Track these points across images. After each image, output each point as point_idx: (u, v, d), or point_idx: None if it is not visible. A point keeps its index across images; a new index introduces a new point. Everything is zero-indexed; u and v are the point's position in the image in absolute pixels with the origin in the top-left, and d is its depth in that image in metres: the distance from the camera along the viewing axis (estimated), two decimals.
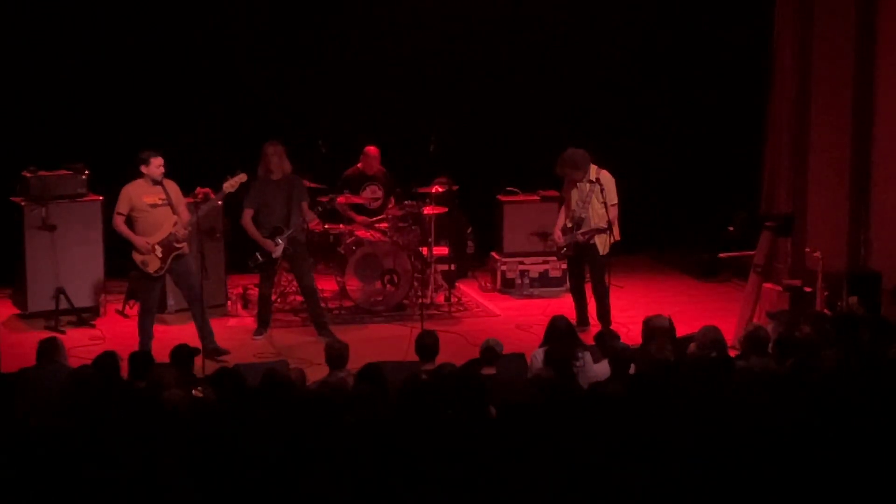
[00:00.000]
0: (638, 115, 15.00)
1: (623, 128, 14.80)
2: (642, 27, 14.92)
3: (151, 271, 11.18)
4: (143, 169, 11.15)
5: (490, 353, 9.11)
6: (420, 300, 12.72)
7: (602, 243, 12.00)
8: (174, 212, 11.17)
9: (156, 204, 11.15)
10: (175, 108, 13.67)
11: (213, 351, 11.15)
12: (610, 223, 11.88)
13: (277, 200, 11.82)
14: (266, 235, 11.75)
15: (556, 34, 14.76)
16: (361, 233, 12.99)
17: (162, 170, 11.17)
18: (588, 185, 11.97)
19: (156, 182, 11.16)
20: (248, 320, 12.47)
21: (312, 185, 12.99)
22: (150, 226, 11.15)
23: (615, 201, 11.98)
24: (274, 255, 11.80)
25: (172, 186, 11.30)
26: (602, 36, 14.85)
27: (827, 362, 8.62)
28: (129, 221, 11.17)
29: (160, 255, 11.13)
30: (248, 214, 11.87)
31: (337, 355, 9.09)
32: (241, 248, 12.36)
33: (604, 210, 11.92)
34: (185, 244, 11.19)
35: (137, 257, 11.16)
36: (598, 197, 11.90)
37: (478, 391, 7.65)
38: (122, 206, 11.16)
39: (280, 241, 11.71)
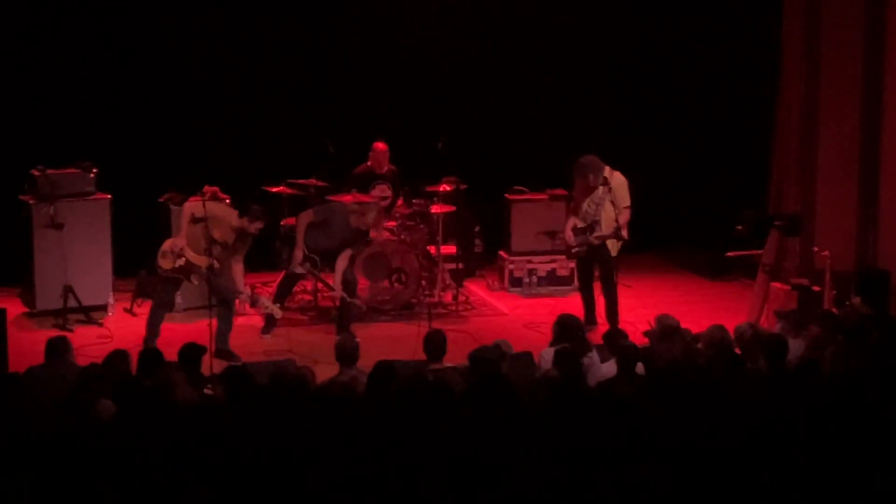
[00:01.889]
0: (646, 115, 14.98)
1: (631, 127, 14.78)
2: (651, 26, 14.89)
3: (160, 264, 11.22)
4: (246, 218, 11.14)
5: (497, 352, 9.11)
6: (428, 299, 12.73)
7: (613, 244, 11.98)
8: (213, 255, 11.01)
9: (214, 241, 11.06)
10: (181, 107, 13.67)
11: (225, 353, 11.13)
12: (618, 225, 11.84)
13: (337, 237, 11.95)
14: (306, 252, 11.82)
15: (565, 33, 14.73)
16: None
17: (257, 233, 11.26)
18: (601, 188, 11.94)
19: (241, 231, 11.18)
20: (256, 318, 12.46)
21: (320, 183, 13.01)
22: (192, 242, 11.15)
23: (627, 203, 11.94)
24: (292, 268, 11.88)
25: (246, 243, 11.31)
26: (611, 35, 14.81)
27: (832, 362, 8.63)
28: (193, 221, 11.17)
29: (177, 265, 11.15)
30: (307, 216, 11.92)
31: (347, 352, 9.09)
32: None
33: (616, 213, 11.88)
34: (196, 281, 11.28)
35: (166, 245, 11.19)
36: (611, 200, 11.86)
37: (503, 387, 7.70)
38: (200, 210, 11.07)
39: (306, 266, 11.82)
